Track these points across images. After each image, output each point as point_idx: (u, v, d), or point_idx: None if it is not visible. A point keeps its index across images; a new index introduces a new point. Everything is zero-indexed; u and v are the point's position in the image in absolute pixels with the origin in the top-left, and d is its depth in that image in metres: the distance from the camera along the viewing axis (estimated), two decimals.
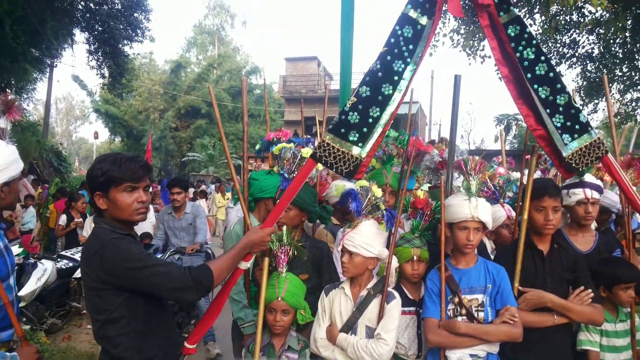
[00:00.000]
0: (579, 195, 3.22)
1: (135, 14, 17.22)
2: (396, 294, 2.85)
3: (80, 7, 16.54)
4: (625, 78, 16.02)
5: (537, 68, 2.63)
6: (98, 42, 17.26)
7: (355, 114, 2.57)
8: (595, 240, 3.35)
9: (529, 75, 2.63)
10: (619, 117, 16.47)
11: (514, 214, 3.46)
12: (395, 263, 2.90)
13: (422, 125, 35.17)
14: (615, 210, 4.01)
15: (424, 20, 2.57)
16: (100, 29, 16.86)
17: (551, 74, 2.64)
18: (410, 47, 2.57)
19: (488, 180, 3.39)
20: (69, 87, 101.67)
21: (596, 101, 16.80)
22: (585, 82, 16.56)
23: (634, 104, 16.81)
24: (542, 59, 2.63)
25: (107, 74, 18.32)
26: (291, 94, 33.58)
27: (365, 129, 2.58)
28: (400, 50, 2.56)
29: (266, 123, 4.79)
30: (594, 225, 3.72)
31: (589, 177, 3.30)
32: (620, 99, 16.69)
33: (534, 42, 2.63)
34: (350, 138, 2.58)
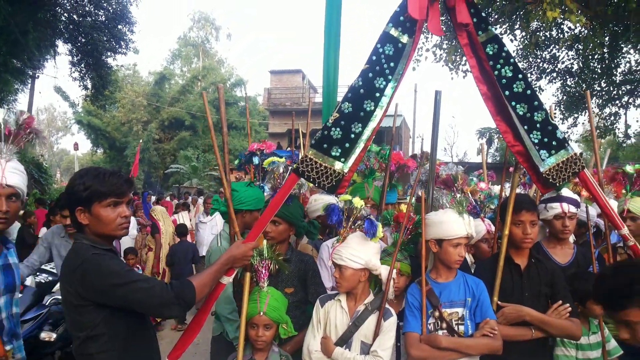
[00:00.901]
0: (556, 210, 3.29)
1: (119, 26, 17.12)
2: (393, 311, 2.86)
3: (63, 18, 16.40)
4: (603, 93, 16.40)
5: (514, 86, 2.69)
6: (81, 53, 17.10)
7: (338, 129, 2.60)
8: (574, 253, 3.41)
9: (507, 92, 2.69)
10: (598, 130, 16.80)
11: (493, 228, 3.51)
12: (392, 275, 2.91)
13: (406, 138, 35.43)
14: (592, 224, 4.08)
15: (404, 39, 2.62)
16: (83, 40, 16.72)
17: (528, 92, 2.70)
18: (392, 64, 2.61)
19: (469, 194, 3.43)
20: (50, 98, 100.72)
21: (576, 115, 17.14)
22: (565, 97, 16.90)
23: (612, 118, 17.19)
24: (520, 76, 2.69)
25: (89, 86, 18.14)
26: (276, 107, 33.66)
27: (347, 145, 2.61)
28: (382, 67, 2.61)
29: (249, 135, 4.80)
30: (572, 238, 3.78)
31: (566, 192, 3.37)
32: (599, 113, 17.05)
33: (512, 60, 2.69)
34: (333, 153, 2.61)
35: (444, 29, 10.60)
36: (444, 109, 3.24)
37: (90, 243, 2.23)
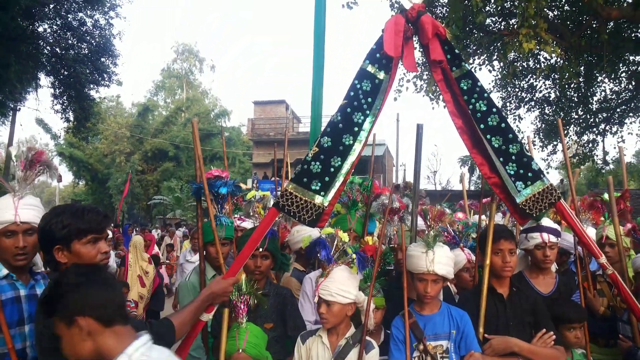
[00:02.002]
0: (537, 240, 3.32)
1: (102, 59, 17.15)
2: (374, 343, 2.84)
3: (46, 51, 16.40)
4: (581, 120, 16.76)
5: (489, 119, 2.74)
6: (63, 86, 17.01)
7: (317, 163, 2.63)
8: (556, 282, 3.44)
9: (481, 126, 2.74)
10: (577, 157, 17.11)
11: (474, 257, 3.53)
12: (372, 306, 2.89)
13: (389, 166, 35.69)
14: (573, 252, 4.12)
15: (381, 75, 2.67)
16: (66, 73, 16.67)
17: (503, 125, 2.76)
18: (369, 100, 2.66)
19: (448, 225, 3.46)
20: (32, 130, 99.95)
21: (555, 143, 17.45)
22: (543, 125, 17.23)
23: (590, 145, 17.53)
24: (494, 110, 2.75)
25: (72, 118, 18.03)
26: (259, 137, 33.82)
27: (327, 178, 2.63)
28: (360, 102, 2.65)
29: (225, 165, 4.80)
30: (554, 267, 3.82)
31: (546, 221, 3.40)
32: (578, 140, 17.38)
33: (486, 95, 2.76)
34: (313, 187, 2.62)
35: (423, 60, 10.82)
36: (426, 137, 3.29)
37: None
